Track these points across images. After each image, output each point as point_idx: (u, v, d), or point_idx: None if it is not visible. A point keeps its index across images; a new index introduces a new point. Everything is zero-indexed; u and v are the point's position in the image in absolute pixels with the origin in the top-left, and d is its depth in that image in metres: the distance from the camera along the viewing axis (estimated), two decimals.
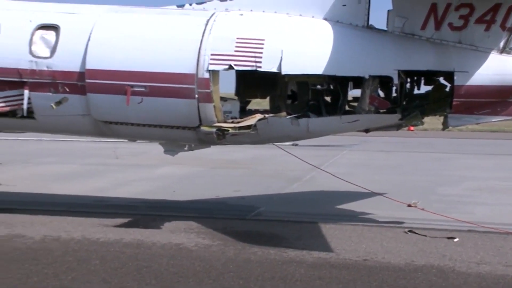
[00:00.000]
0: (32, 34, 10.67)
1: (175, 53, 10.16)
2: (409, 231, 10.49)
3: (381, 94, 10.32)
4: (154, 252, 8.96)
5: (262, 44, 9.95)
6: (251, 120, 10.14)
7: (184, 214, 11.56)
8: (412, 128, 12.68)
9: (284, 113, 10.28)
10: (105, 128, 10.81)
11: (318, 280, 7.77)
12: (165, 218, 11.08)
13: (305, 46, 10.04)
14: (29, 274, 7.74)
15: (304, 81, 10.59)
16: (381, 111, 10.12)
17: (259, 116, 10.27)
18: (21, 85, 10.58)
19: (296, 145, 18.15)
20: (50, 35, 10.68)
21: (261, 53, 9.91)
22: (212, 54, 9.92)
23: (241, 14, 10.45)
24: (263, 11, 10.50)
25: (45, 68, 10.49)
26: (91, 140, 19.06)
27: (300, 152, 13.90)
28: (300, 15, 10.34)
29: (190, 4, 11.00)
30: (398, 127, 11.04)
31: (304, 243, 9.63)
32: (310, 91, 10.94)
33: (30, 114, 10.74)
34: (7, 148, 19.53)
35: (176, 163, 15.81)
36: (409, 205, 12.48)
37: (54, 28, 10.70)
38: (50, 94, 10.51)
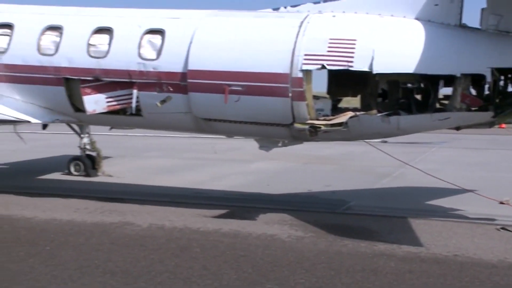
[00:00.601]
0: (141, 38, 11.03)
1: (271, 53, 10.21)
2: (502, 228, 9.98)
3: (473, 92, 9.97)
4: (250, 242, 9.02)
5: (354, 44, 9.82)
6: (342, 118, 10.04)
7: (277, 206, 11.56)
8: (503, 125, 12.13)
9: (374, 111, 10.12)
10: (205, 125, 11.01)
11: (408, 273, 7.58)
12: (259, 210, 11.13)
13: (396, 46, 9.81)
14: (138, 259, 7.98)
15: (395, 80, 10.38)
16: (473, 109, 9.76)
17: (350, 113, 10.17)
18: (130, 85, 10.97)
19: (385, 142, 17.79)
20: (157, 39, 10.99)
21: (353, 52, 9.78)
22: (305, 55, 9.89)
23: (334, 16, 10.35)
24: (355, 13, 10.36)
25: (152, 70, 10.81)
26: (191, 136, 19.42)
27: (389, 149, 13.60)
28: (392, 15, 10.12)
29: (285, 7, 11.03)
30: (490, 124, 10.59)
31: (394, 237, 9.41)
32: (400, 89, 10.72)
33: (138, 112, 11.12)
34: (117, 143, 20.26)
35: (270, 158, 15.86)
36: (501, 203, 11.90)
37: (160, 32, 11.01)
38: (156, 93, 10.83)
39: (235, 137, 13.84)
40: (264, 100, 10.22)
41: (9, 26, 11.99)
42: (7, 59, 11.84)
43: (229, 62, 10.39)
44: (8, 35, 11.93)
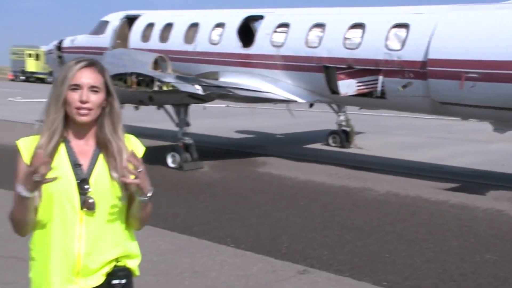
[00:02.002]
0: (388, 32, 11.10)
1: (508, 43, 9.53)
2: None
3: None
4: (476, 215, 8.62)
5: None
6: None
7: (509, 185, 10.75)
8: None
9: None
10: (441, 108, 10.71)
11: None
12: (490, 187, 10.46)
13: None
14: (372, 219, 8.19)
15: None
16: None
17: None
18: (377, 72, 11.15)
19: None
20: (402, 32, 10.95)
21: None
22: None
23: None
24: None
25: (396, 59, 10.83)
26: (436, 117, 18.76)
27: None
28: None
29: None
30: None
31: None
32: None
33: (383, 95, 11.27)
34: (369, 121, 20.48)
35: (510, 140, 14.63)
36: None
37: (405, 26, 10.95)
38: (399, 79, 10.85)
39: (470, 120, 13.05)
40: (500, 86, 9.60)
41: (286, 25, 13.00)
42: (283, 51, 12.88)
43: (466, 52, 9.95)
44: (285, 33, 12.95)
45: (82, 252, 2.51)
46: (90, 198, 2.49)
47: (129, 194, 2.60)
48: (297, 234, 7.40)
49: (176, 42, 14.71)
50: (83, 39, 16.97)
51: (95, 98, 2.51)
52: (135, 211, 2.64)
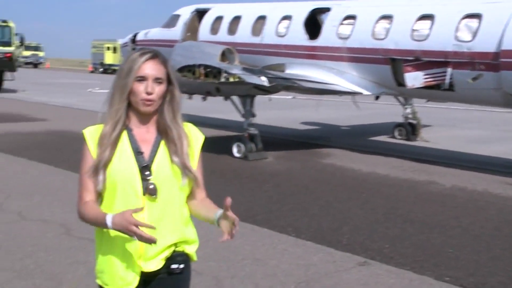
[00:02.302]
0: (459, 23, 10.64)
1: None
2: None
3: None
4: None
5: None
6: None
7: None
8: None
9: None
10: None
11: None
12: None
13: None
14: (436, 213, 7.90)
15: None
16: None
17: None
18: (445, 64, 10.73)
19: None
20: (473, 22, 10.47)
21: None
22: None
23: None
24: None
25: (466, 50, 10.38)
26: (504, 111, 17.83)
27: None
28: None
29: None
30: None
31: None
32: None
33: (451, 87, 10.83)
34: (436, 114, 19.77)
35: None
36: None
37: (477, 16, 10.46)
38: (468, 71, 10.39)
39: None
40: None
41: (353, 17, 12.74)
42: (349, 43, 12.65)
43: None
44: (351, 25, 12.70)
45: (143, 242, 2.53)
46: (152, 184, 2.53)
47: (189, 180, 2.62)
48: (358, 225, 7.26)
49: (243, 34, 14.77)
50: (156, 32, 17.36)
51: (159, 89, 2.54)
52: (200, 214, 2.70)
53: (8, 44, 26.01)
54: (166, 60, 2.61)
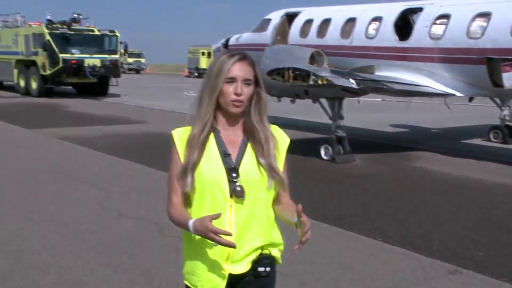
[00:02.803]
0: None
1: None
2: None
3: None
4: None
5: None
6: None
7: None
8: None
9: None
10: None
11: None
12: None
13: None
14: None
15: None
16: None
17: None
18: None
19: None
20: None
21: None
22: None
23: None
24: None
25: None
26: None
27: None
28: None
29: None
30: None
31: None
32: None
33: None
34: None
35: None
36: None
37: None
38: None
39: None
40: None
41: (446, 16, 12.15)
42: (442, 44, 12.07)
43: None
44: (445, 24, 12.11)
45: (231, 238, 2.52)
46: (239, 186, 2.50)
47: (275, 182, 2.58)
48: (449, 231, 6.86)
49: (332, 37, 14.56)
50: (247, 37, 17.56)
51: (248, 90, 2.52)
52: (283, 217, 2.65)
53: (114, 52, 27.50)
54: (254, 62, 2.58)
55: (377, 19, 13.67)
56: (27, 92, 27.46)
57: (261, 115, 2.57)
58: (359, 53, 13.87)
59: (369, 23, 13.78)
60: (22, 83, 28.14)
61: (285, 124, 17.16)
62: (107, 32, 27.61)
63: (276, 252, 2.63)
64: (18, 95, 27.76)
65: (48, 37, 25.47)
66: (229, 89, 2.49)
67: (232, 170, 2.50)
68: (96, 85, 27.22)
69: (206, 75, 2.59)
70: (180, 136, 2.58)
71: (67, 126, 15.78)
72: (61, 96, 26.56)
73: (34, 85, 27.05)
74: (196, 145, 2.50)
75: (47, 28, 25.91)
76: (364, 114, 18.99)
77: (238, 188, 2.48)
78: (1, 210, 7.13)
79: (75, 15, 27.62)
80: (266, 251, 2.59)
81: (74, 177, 9.15)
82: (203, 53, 57.74)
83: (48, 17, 27.81)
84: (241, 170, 2.51)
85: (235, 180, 2.49)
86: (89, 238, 6.11)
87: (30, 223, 6.61)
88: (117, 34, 27.76)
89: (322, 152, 11.62)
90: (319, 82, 11.31)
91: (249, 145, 2.56)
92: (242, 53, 2.58)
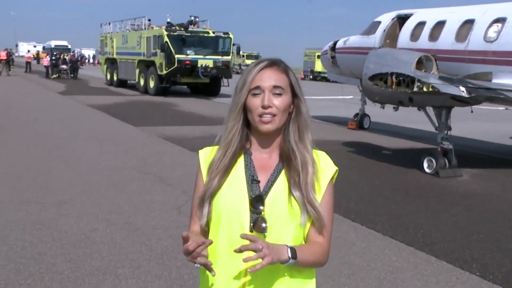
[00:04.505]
0: None
1: None
2: None
3: None
4: None
5: None
6: None
7: None
8: None
9: None
10: None
11: None
12: None
13: None
14: None
15: None
16: None
17: None
18: None
19: None
20: None
21: None
22: None
23: None
24: None
25: None
26: None
27: None
28: None
29: None
30: None
31: None
32: None
33: None
34: None
35: None
36: None
37: None
38: None
39: None
40: None
41: None
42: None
43: None
44: None
45: (247, 279, 2.05)
46: (263, 221, 2.00)
47: (309, 218, 2.04)
48: None
49: (445, 40, 13.24)
50: (354, 40, 16.70)
51: (279, 102, 2.03)
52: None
53: (227, 53, 27.95)
54: (288, 68, 2.11)
55: (500, 20, 12.18)
56: (145, 90, 28.83)
57: (300, 132, 2.09)
58: (476, 58, 12.45)
59: (490, 25, 12.32)
60: (141, 82, 29.59)
61: (388, 131, 16.18)
62: (221, 34, 28.07)
63: None
64: (137, 93, 29.20)
65: (166, 39, 26.43)
66: (255, 102, 2.04)
67: (257, 199, 2.02)
68: (208, 85, 27.93)
69: (235, 88, 2.15)
70: (205, 156, 2.19)
71: (170, 124, 16.03)
72: (175, 95, 27.44)
73: (151, 84, 28.31)
74: (218, 171, 2.08)
75: (166, 30, 26.89)
76: (478, 123, 17.25)
77: (262, 225, 2.01)
78: (83, 208, 7.13)
79: (192, 18, 28.38)
80: None
81: (162, 177, 9.04)
82: (318, 56, 57.21)
83: (168, 20, 28.90)
84: (267, 200, 2.03)
85: (258, 211, 2.02)
86: (155, 246, 5.82)
87: (104, 224, 6.50)
88: (231, 36, 28.12)
89: (425, 165, 10.54)
90: (425, 89, 10.25)
91: (283, 172, 2.07)
92: (272, 59, 2.11)
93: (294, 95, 2.09)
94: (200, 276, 2.20)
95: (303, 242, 2.09)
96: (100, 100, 23.73)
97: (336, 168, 2.13)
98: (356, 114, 17.27)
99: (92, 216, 6.78)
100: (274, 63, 2.08)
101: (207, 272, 2.08)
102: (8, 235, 6.00)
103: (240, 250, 1.85)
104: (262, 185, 2.05)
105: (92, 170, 9.45)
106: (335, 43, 17.77)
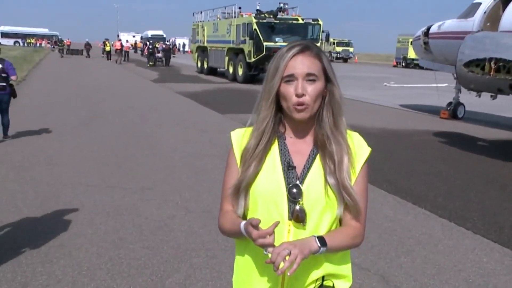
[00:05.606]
0: None
1: None
2: None
3: None
4: None
5: None
6: None
7: None
8: None
9: None
10: None
11: None
12: None
13: None
14: None
15: None
16: None
17: None
18: None
19: None
20: None
21: None
22: None
23: None
24: None
25: None
26: None
27: None
28: None
29: None
30: None
31: None
32: None
33: None
34: None
35: None
36: None
37: None
38: None
39: None
40: None
41: None
42: None
43: None
44: None
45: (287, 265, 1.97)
46: (301, 210, 1.97)
47: (346, 205, 2.01)
48: None
49: None
50: (450, 24, 15.70)
51: (313, 89, 1.98)
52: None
53: (316, 40, 27.54)
54: (321, 53, 2.03)
55: None
56: (234, 78, 29.16)
57: (334, 118, 2.04)
58: None
59: None
60: (230, 69, 29.97)
61: (487, 121, 15.11)
62: (310, 21, 27.67)
63: (340, 284, 2.11)
64: (226, 80, 29.60)
65: (255, 26, 26.49)
66: (289, 89, 1.98)
67: (294, 188, 2.00)
68: None
69: (266, 74, 2.06)
70: (237, 137, 2.15)
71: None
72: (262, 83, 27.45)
73: (240, 71, 28.59)
74: (252, 159, 2.04)
75: (255, 18, 26.94)
76: None
77: (299, 211, 1.98)
78: (164, 195, 7.25)
79: (281, 5, 28.19)
80: (328, 282, 2.08)
81: None
82: (411, 43, 54.99)
83: (258, 7, 28.94)
84: (304, 187, 2.00)
85: (297, 199, 1.99)
86: None
87: (183, 212, 6.55)
88: (320, 22, 27.66)
89: None
90: None
91: (318, 158, 2.04)
92: (304, 43, 2.03)
93: (328, 79, 2.03)
94: (235, 265, 2.19)
95: (339, 225, 2.08)
96: (189, 87, 24.30)
97: (369, 149, 2.07)
98: (450, 103, 16.32)
99: (172, 203, 6.86)
100: (307, 48, 2.00)
101: (243, 262, 2.12)
102: (93, 219, 6.21)
103: (271, 262, 1.79)
104: (298, 171, 2.02)
105: (175, 157, 9.63)
106: (428, 28, 16.83)
